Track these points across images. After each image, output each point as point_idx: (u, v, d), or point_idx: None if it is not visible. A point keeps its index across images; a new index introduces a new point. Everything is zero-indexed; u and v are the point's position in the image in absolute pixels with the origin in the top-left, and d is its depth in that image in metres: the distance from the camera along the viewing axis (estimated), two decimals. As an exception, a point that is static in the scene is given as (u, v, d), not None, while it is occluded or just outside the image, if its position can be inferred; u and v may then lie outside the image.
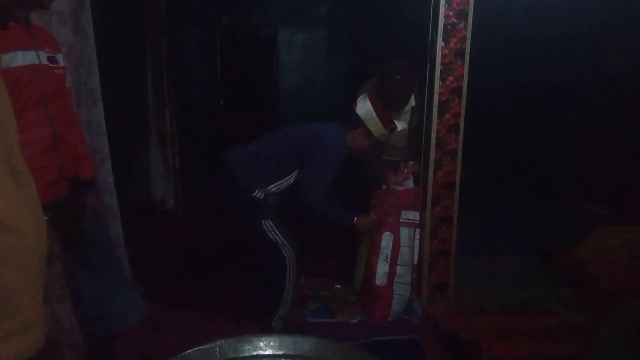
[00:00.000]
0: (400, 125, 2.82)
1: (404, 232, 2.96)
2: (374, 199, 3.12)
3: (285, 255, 2.67)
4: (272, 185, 2.65)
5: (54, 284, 1.84)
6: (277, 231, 2.63)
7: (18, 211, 1.11)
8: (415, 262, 3.02)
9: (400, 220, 2.97)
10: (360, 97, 2.79)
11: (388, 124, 2.71)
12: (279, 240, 2.64)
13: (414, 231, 3.00)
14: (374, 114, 2.68)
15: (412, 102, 3.30)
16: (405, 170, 3.13)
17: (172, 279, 3.56)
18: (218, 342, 1.43)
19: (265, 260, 2.77)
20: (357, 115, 2.72)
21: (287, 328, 2.76)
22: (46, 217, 1.68)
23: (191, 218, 4.98)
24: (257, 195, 2.61)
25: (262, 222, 2.61)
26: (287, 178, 2.68)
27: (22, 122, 1.71)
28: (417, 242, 3.02)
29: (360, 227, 2.83)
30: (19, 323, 1.08)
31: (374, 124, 2.69)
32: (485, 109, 3.84)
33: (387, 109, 2.78)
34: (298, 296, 3.05)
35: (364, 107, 2.71)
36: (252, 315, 2.92)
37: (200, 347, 1.40)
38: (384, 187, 3.15)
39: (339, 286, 3.30)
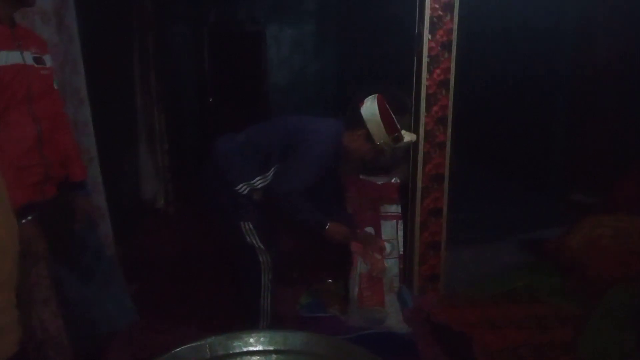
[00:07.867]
0: (409, 136, 2.53)
1: (387, 226, 2.97)
2: (348, 192, 3.06)
3: (261, 260, 2.49)
4: (256, 179, 2.44)
5: (40, 285, 1.82)
6: (255, 235, 2.45)
7: None
8: (401, 253, 3.02)
9: (381, 214, 2.97)
10: (369, 97, 2.45)
11: (392, 131, 2.39)
12: (257, 245, 2.47)
13: (397, 223, 3.00)
14: (379, 117, 2.36)
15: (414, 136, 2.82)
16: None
17: (163, 279, 3.54)
18: (208, 340, 1.43)
19: (240, 264, 2.64)
20: (360, 115, 2.41)
21: None
22: (29, 217, 1.68)
23: (182, 217, 4.94)
24: (241, 191, 2.43)
25: (242, 223, 2.44)
26: (272, 171, 2.46)
27: (5, 121, 1.71)
28: (400, 234, 3.03)
29: (329, 235, 2.49)
30: None
31: (377, 129, 2.38)
32: (473, 99, 3.85)
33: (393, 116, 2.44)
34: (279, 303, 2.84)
35: (369, 108, 2.39)
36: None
37: (191, 345, 1.40)
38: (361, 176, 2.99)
39: (330, 281, 3.31)
